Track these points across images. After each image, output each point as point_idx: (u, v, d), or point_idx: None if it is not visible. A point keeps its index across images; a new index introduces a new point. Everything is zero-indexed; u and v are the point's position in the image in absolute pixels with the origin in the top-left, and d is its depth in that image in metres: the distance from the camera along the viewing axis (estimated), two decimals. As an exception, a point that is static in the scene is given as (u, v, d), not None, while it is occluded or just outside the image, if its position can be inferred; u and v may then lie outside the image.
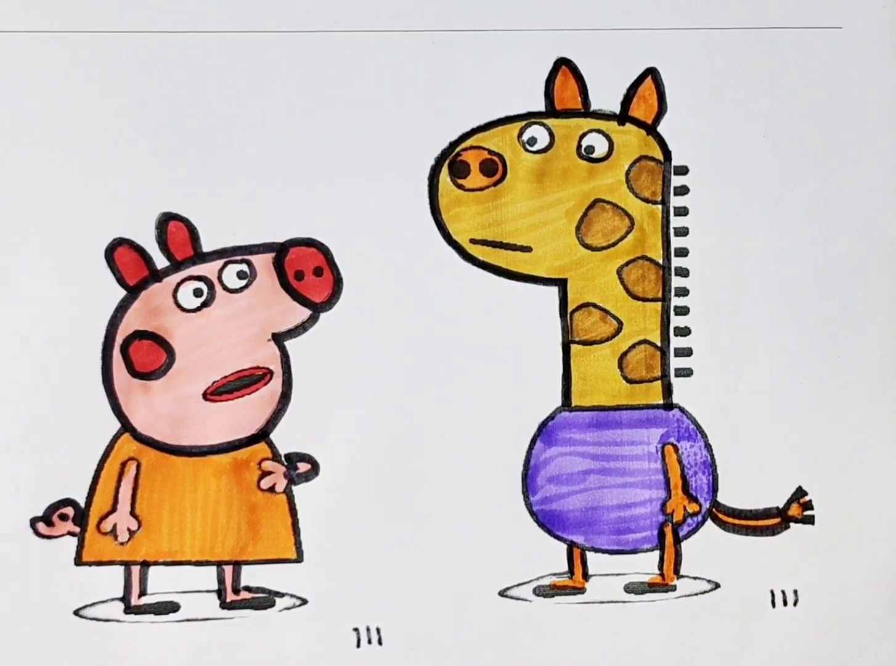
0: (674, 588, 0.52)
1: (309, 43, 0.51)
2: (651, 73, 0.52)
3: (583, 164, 0.52)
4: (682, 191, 0.52)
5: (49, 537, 0.51)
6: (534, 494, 0.52)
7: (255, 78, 0.51)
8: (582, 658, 0.52)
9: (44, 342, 0.50)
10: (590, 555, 0.52)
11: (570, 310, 0.52)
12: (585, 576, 0.52)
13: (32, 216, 0.50)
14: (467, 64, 0.51)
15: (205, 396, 0.51)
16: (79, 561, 0.51)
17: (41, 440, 0.50)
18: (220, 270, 0.51)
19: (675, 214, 0.52)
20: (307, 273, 0.51)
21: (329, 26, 0.51)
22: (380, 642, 0.52)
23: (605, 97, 0.52)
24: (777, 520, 0.52)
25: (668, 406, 0.52)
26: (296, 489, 0.52)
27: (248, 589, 0.52)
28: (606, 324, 0.52)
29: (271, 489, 0.51)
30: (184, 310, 0.51)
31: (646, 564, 0.52)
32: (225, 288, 0.51)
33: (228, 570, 0.51)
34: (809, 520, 0.52)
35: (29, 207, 0.50)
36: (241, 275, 0.51)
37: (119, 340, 0.51)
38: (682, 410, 0.52)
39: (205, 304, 0.51)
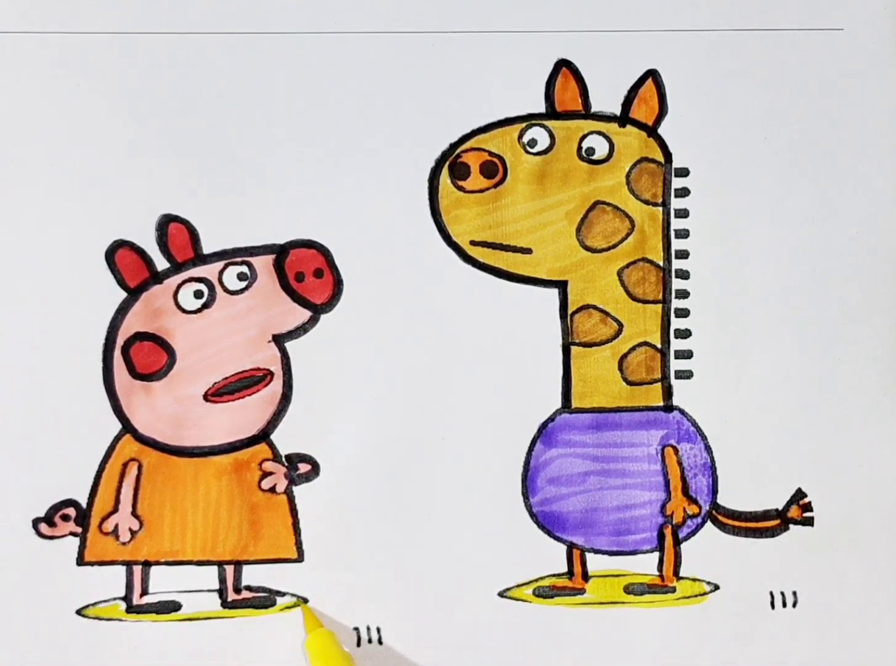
0: (673, 589, 0.52)
1: (309, 43, 0.51)
2: (652, 74, 0.51)
3: (583, 166, 0.52)
4: (683, 193, 0.52)
5: (51, 538, 0.51)
6: (534, 496, 0.52)
7: (256, 79, 0.51)
8: (581, 659, 0.52)
9: (45, 344, 0.50)
10: (589, 556, 0.52)
11: (570, 312, 0.52)
12: (585, 577, 0.52)
13: (33, 218, 0.50)
14: (468, 65, 0.51)
15: (205, 397, 0.51)
16: (81, 561, 0.51)
17: (43, 441, 0.51)
18: (221, 272, 0.51)
19: (676, 216, 0.52)
20: (307, 275, 0.51)
21: (329, 27, 0.51)
22: (380, 642, 0.52)
23: (606, 99, 0.52)
24: (776, 522, 0.52)
25: (668, 408, 0.52)
26: (296, 490, 0.52)
27: (249, 588, 0.52)
28: (607, 326, 0.52)
29: (272, 490, 0.52)
30: (184, 311, 0.51)
31: (645, 566, 0.53)
32: (225, 289, 0.51)
33: (229, 569, 0.52)
34: (809, 522, 0.52)
35: (29, 209, 0.50)
36: (241, 276, 0.51)
37: (120, 341, 0.51)
38: (682, 411, 0.52)
39: (205, 306, 0.51)
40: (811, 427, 0.52)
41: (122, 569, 0.51)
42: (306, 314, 0.51)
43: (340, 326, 0.51)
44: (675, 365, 0.52)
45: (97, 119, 0.51)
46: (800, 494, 0.52)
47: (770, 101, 0.52)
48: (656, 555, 0.52)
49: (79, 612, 0.51)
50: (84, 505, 0.51)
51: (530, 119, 0.51)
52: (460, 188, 0.51)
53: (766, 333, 0.52)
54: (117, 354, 0.51)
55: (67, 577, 0.51)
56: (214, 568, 0.52)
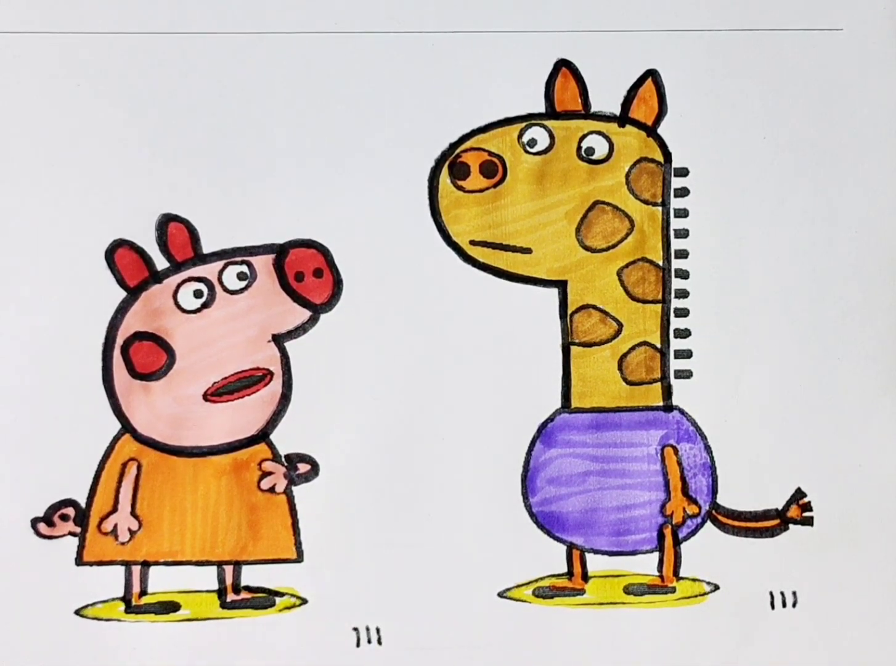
0: (673, 590, 0.52)
1: (309, 43, 0.51)
2: (651, 74, 0.51)
3: (583, 166, 0.52)
4: (683, 193, 0.52)
5: (50, 537, 0.51)
6: (533, 496, 0.52)
7: (256, 78, 0.51)
8: (581, 660, 0.52)
9: (44, 343, 0.50)
10: (589, 556, 0.52)
11: (569, 311, 0.52)
12: (585, 577, 0.52)
13: (33, 218, 0.50)
14: (467, 65, 0.51)
15: (205, 396, 0.51)
16: (80, 561, 0.51)
17: (42, 441, 0.51)
18: (221, 272, 0.51)
19: (676, 216, 0.52)
20: (307, 274, 0.51)
21: (329, 27, 0.51)
22: (379, 642, 0.52)
23: (606, 99, 0.52)
24: (776, 521, 0.52)
25: (668, 408, 0.52)
26: (296, 490, 0.52)
27: (248, 589, 0.52)
28: (606, 325, 0.52)
29: (271, 490, 0.51)
30: (184, 311, 0.51)
31: (645, 566, 0.53)
32: (225, 289, 0.51)
33: (229, 569, 0.52)
34: (808, 521, 0.52)
35: (29, 209, 0.50)
36: (241, 276, 0.51)
37: (119, 341, 0.51)
38: (681, 411, 0.52)
39: (205, 306, 0.51)
40: (811, 427, 0.52)
41: (120, 569, 0.51)
42: (306, 314, 0.51)
43: (340, 326, 0.51)
44: (675, 365, 0.52)
45: (97, 119, 0.51)
46: (799, 494, 0.52)
47: (770, 101, 0.52)
48: (656, 555, 0.52)
49: (77, 612, 0.51)
50: (83, 505, 0.51)
51: (530, 119, 0.51)
52: (460, 188, 0.51)
53: (766, 333, 0.52)
54: (117, 353, 0.51)
55: (66, 577, 0.51)
56: (213, 568, 0.52)
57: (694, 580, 0.52)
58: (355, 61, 0.51)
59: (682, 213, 0.52)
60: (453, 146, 0.51)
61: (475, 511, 0.52)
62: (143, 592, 0.51)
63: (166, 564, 0.51)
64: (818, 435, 0.52)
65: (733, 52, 0.51)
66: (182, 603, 0.52)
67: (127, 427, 0.51)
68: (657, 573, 0.52)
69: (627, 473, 0.52)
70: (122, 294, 0.51)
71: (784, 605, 0.52)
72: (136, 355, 0.51)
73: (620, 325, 0.52)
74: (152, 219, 0.51)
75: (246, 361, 0.51)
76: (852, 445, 0.52)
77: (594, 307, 0.52)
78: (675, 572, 0.52)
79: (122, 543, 0.51)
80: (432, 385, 0.51)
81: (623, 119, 0.52)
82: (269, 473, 0.51)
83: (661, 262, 0.52)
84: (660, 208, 0.52)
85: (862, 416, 0.52)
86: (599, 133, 0.52)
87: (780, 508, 0.52)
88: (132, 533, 0.51)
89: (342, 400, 0.51)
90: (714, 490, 0.52)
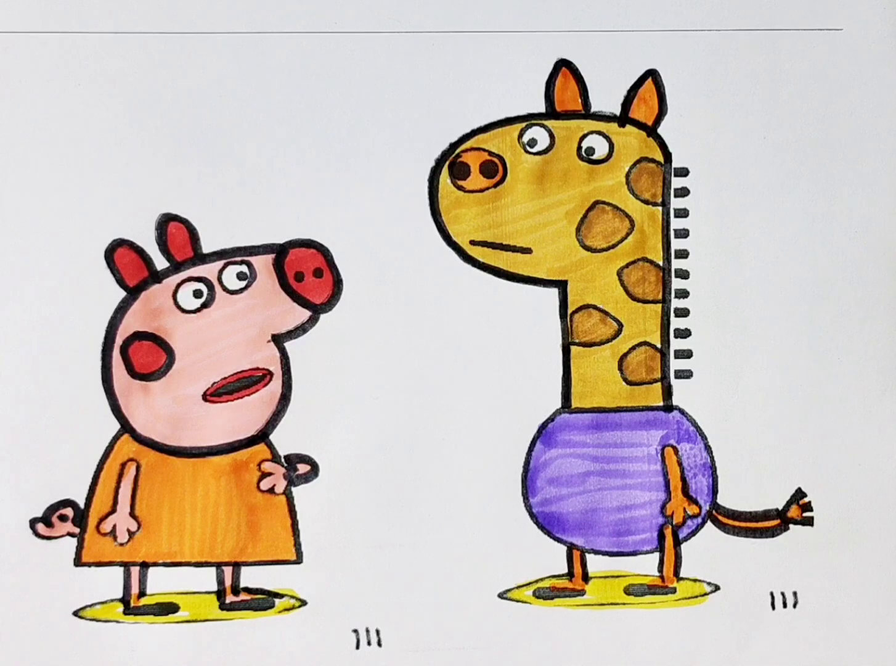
0: (673, 590, 0.52)
1: (309, 43, 0.51)
2: (651, 74, 0.52)
3: (583, 166, 0.52)
4: (683, 193, 0.52)
5: (49, 538, 0.51)
6: (533, 496, 0.52)
7: (256, 78, 0.51)
8: (581, 661, 0.52)
9: (44, 343, 0.50)
10: (589, 557, 0.52)
11: (570, 311, 0.52)
12: (585, 578, 0.52)
13: (33, 217, 0.50)
14: (467, 65, 0.51)
15: (204, 397, 0.51)
16: (78, 562, 0.51)
17: (41, 441, 0.50)
18: (220, 271, 0.51)
19: (676, 216, 0.52)
20: (307, 274, 0.51)
21: (329, 27, 0.51)
22: (379, 644, 0.52)
23: (606, 99, 0.52)
24: (776, 522, 0.52)
25: (668, 408, 0.52)
26: (295, 490, 0.52)
27: (247, 590, 0.52)
28: (606, 325, 0.52)
29: (271, 490, 0.51)
30: (183, 311, 0.51)
31: (646, 566, 0.52)
32: (225, 289, 0.51)
33: (228, 571, 0.51)
34: (809, 521, 0.52)
35: (29, 208, 0.50)
36: (240, 276, 0.51)
37: (119, 340, 0.51)
38: (681, 411, 0.52)
39: (204, 306, 0.51)
40: (811, 427, 0.52)
41: (119, 570, 0.51)
42: (306, 314, 0.51)
43: (340, 326, 0.51)
44: (675, 365, 0.52)
45: (97, 118, 0.51)
46: (800, 494, 0.52)
47: (769, 101, 0.52)
48: (656, 555, 0.52)
49: (76, 613, 0.51)
50: (82, 505, 0.51)
51: (530, 119, 0.52)
52: (460, 188, 0.52)
53: (766, 332, 0.52)
54: (116, 353, 0.51)
55: (65, 578, 0.51)
56: (213, 569, 0.51)
57: (694, 581, 0.52)
58: (355, 61, 0.51)
59: (682, 213, 0.52)
60: (453, 146, 0.51)
61: (475, 511, 0.52)
62: (142, 594, 0.51)
63: (165, 565, 0.51)
64: (818, 435, 0.52)
65: (733, 52, 0.52)
66: (181, 604, 0.51)
67: (126, 427, 0.51)
68: (657, 574, 0.52)
69: (628, 473, 0.52)
70: (122, 294, 0.51)
71: (784, 605, 0.52)
72: (136, 355, 0.51)
73: (620, 325, 0.52)
74: (152, 219, 0.51)
75: (245, 361, 0.51)
76: (852, 445, 0.52)
77: (594, 307, 0.52)
78: (676, 573, 0.52)
79: (121, 544, 0.51)
80: (432, 385, 0.51)
81: (623, 119, 0.52)
82: (269, 474, 0.51)
83: (661, 262, 0.52)
84: (660, 208, 0.52)
85: (862, 416, 0.52)
86: (600, 133, 0.52)
87: (780, 508, 0.52)
88: (131, 534, 0.51)
89: (342, 400, 0.51)
90: (714, 490, 0.52)
